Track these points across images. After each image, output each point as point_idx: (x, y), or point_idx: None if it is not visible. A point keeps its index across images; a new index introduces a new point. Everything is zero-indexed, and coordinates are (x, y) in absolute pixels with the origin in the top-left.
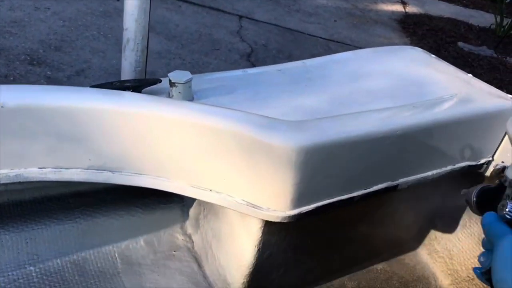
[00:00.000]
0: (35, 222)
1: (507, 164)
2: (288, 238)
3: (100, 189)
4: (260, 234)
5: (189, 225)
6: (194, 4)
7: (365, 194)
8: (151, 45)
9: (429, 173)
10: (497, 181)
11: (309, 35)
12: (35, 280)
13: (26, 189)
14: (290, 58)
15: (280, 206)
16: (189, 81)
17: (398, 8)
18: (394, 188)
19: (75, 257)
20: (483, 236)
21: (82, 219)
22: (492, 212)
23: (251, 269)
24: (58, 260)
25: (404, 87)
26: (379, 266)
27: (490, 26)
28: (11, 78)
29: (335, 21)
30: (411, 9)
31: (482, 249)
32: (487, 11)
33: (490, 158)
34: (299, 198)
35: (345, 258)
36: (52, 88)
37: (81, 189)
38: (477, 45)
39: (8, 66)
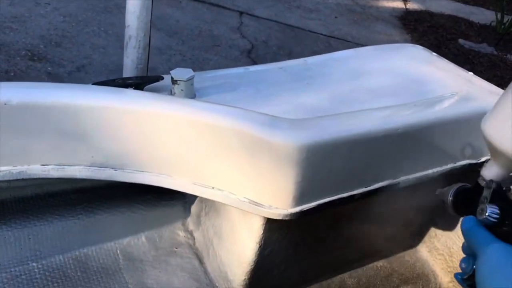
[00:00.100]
0: (37, 219)
1: None
2: (289, 235)
3: (102, 186)
4: (262, 232)
5: (190, 222)
6: (195, 0)
7: (366, 192)
8: (151, 41)
9: (430, 171)
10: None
11: (310, 31)
12: (37, 276)
13: (29, 186)
14: (291, 54)
15: (281, 204)
16: (191, 79)
17: (399, 4)
18: (395, 186)
19: (77, 253)
20: None
21: (84, 215)
22: (471, 216)
23: (252, 266)
24: (60, 256)
25: (405, 85)
26: (379, 263)
27: (490, 23)
28: (12, 74)
29: (335, 17)
30: (412, 5)
31: None
32: (488, 8)
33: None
34: (301, 196)
35: (345, 255)
36: (55, 86)
37: (83, 185)
38: (477, 42)
39: (8, 62)
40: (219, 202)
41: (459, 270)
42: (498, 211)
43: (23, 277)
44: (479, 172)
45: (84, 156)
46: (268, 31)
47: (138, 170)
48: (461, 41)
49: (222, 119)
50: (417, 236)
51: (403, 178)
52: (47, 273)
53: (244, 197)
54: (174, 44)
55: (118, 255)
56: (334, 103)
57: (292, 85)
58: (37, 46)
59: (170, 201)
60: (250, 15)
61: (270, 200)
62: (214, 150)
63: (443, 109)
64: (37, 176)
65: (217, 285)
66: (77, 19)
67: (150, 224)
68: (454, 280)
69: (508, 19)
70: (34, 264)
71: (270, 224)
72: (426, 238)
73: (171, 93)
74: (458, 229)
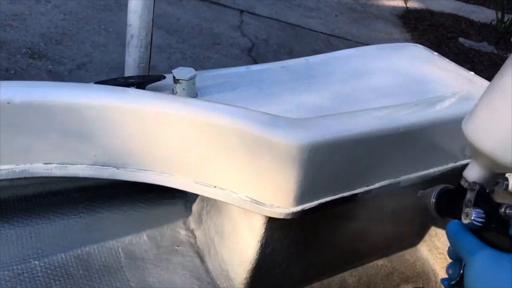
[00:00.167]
0: (39, 217)
1: None
2: (291, 234)
3: (104, 184)
4: (263, 230)
5: (192, 221)
6: None
7: (367, 191)
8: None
9: (431, 170)
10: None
11: (310, 30)
12: (39, 274)
13: (31, 184)
14: (291, 53)
15: (283, 203)
16: (193, 78)
17: (399, 3)
18: (396, 185)
19: (79, 251)
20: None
21: (86, 214)
22: (457, 221)
23: (254, 265)
24: (62, 254)
25: (406, 85)
26: (380, 261)
27: (491, 22)
28: (12, 72)
29: (336, 16)
30: (412, 4)
31: None
32: (488, 7)
33: None
34: (302, 195)
35: (346, 254)
36: (57, 85)
37: (85, 184)
38: (478, 41)
39: (9, 60)
40: (220, 201)
41: None
42: (483, 215)
43: (25, 275)
44: None
45: (87, 154)
46: (269, 29)
47: (140, 169)
48: (461, 39)
49: (224, 118)
50: (417, 235)
51: (404, 177)
52: (49, 271)
53: (246, 196)
54: (174, 42)
55: (120, 253)
56: (335, 102)
57: (293, 84)
58: (38, 44)
59: (172, 199)
60: (251, 13)
61: (272, 199)
62: (216, 149)
63: (444, 109)
64: (40, 175)
65: (218, 283)
66: (77, 17)
67: (152, 223)
68: None
69: (509, 18)
70: (36, 262)
71: (272, 223)
72: (427, 237)
73: (173, 92)
74: None
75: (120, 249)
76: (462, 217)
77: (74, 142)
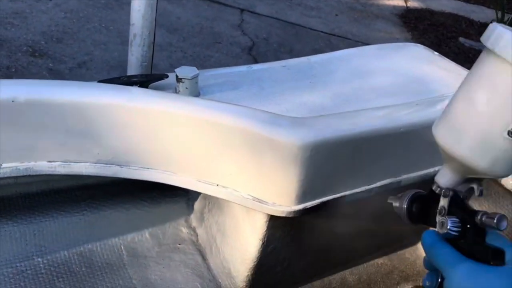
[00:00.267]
0: (42, 215)
1: None
2: (292, 232)
3: (107, 182)
4: (265, 229)
5: (193, 219)
6: None
7: (369, 189)
8: None
9: (431, 169)
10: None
11: (311, 29)
12: (42, 271)
13: (34, 182)
14: (291, 52)
15: (285, 201)
16: (195, 77)
17: (400, 2)
18: (397, 184)
19: (82, 249)
20: None
21: (89, 211)
22: (432, 230)
23: (255, 263)
24: (65, 251)
25: (407, 85)
26: (380, 260)
27: (491, 22)
28: (13, 70)
29: (336, 15)
30: (412, 3)
31: None
32: (488, 7)
33: None
34: (304, 194)
35: (347, 253)
36: (61, 83)
37: (88, 182)
38: (478, 41)
39: (10, 58)
40: (222, 199)
41: None
42: (458, 223)
43: (28, 272)
44: None
45: (90, 153)
46: (269, 28)
47: (143, 167)
48: (461, 39)
49: (226, 117)
50: (417, 234)
51: (404, 177)
52: (52, 269)
53: (248, 194)
54: (175, 41)
55: (122, 251)
56: (336, 101)
57: (295, 84)
58: (38, 42)
59: (174, 198)
60: (251, 12)
61: (274, 198)
62: (218, 148)
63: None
64: (44, 173)
65: (220, 281)
66: (78, 15)
67: (154, 221)
68: None
69: (508, 18)
70: (39, 259)
71: (274, 221)
72: None
73: (176, 91)
74: None
75: (122, 247)
76: (437, 227)
77: (78, 140)
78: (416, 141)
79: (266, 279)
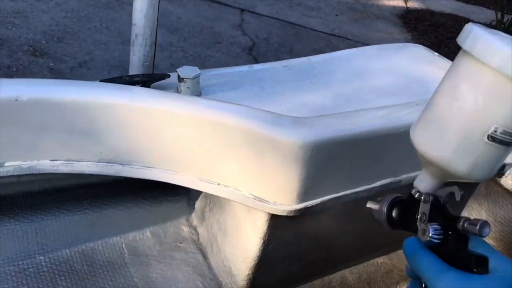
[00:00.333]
0: (44, 213)
1: (506, 161)
2: (293, 231)
3: (108, 181)
4: (266, 227)
5: (194, 218)
6: None
7: (369, 189)
8: None
9: None
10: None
11: (311, 29)
12: (44, 269)
13: (36, 181)
14: (292, 52)
15: (286, 200)
16: (197, 77)
17: (400, 3)
18: (397, 183)
19: (83, 247)
20: None
21: (90, 210)
22: (413, 238)
23: (256, 261)
24: (67, 250)
25: (407, 85)
26: (380, 259)
27: (491, 23)
28: (14, 69)
29: (336, 15)
30: (412, 4)
31: None
32: (488, 7)
33: None
34: (305, 193)
35: (347, 252)
36: (64, 82)
37: (90, 181)
38: None
39: (11, 57)
40: (223, 198)
41: None
42: (440, 230)
43: (30, 270)
44: None
45: (93, 152)
46: (269, 28)
47: (145, 166)
48: None
49: (228, 116)
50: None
51: (404, 176)
52: (54, 267)
53: (249, 193)
54: (175, 41)
55: (123, 249)
56: (337, 101)
57: (296, 84)
58: (39, 41)
59: (175, 197)
60: (252, 12)
61: (275, 197)
62: (220, 147)
63: None
64: (46, 171)
65: (220, 279)
66: (79, 14)
67: (155, 220)
68: None
69: (508, 18)
70: (41, 257)
71: (274, 220)
72: None
73: (178, 90)
74: None
75: (124, 245)
76: (419, 234)
77: (80, 139)
78: None
79: (266, 278)
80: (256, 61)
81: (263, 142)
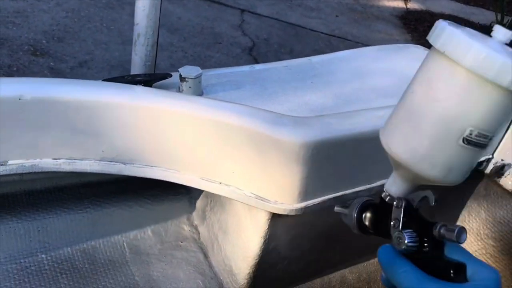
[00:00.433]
0: (46, 212)
1: (506, 162)
2: (293, 230)
3: (110, 180)
4: (267, 226)
5: (195, 217)
6: None
7: (369, 188)
8: None
9: None
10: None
11: (311, 30)
12: (46, 267)
13: (38, 179)
14: (292, 52)
15: (287, 199)
16: (199, 76)
17: (400, 4)
18: None
19: (85, 245)
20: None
21: (92, 209)
22: (388, 246)
23: (257, 260)
24: (69, 248)
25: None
26: None
27: (490, 24)
28: (15, 69)
29: (336, 16)
30: (412, 5)
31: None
32: (488, 9)
33: (490, 156)
34: (306, 192)
35: (346, 251)
36: (67, 82)
37: (91, 179)
38: None
39: (11, 57)
40: (224, 197)
41: None
42: (416, 237)
43: (32, 268)
44: (479, 170)
45: (95, 150)
46: (270, 29)
47: (147, 165)
48: None
49: (229, 116)
50: None
51: None
52: (55, 265)
53: (251, 192)
54: (176, 41)
55: (125, 248)
56: (338, 101)
57: (297, 84)
58: (40, 41)
59: (176, 196)
60: (252, 13)
61: (276, 196)
62: (221, 146)
63: None
64: (49, 170)
65: (221, 278)
66: (79, 14)
67: (156, 218)
68: None
69: (508, 20)
70: (43, 255)
71: (275, 219)
72: None
73: (179, 90)
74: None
75: (125, 244)
76: (394, 242)
77: (83, 138)
78: None
79: (267, 276)
80: (256, 61)
81: (264, 142)
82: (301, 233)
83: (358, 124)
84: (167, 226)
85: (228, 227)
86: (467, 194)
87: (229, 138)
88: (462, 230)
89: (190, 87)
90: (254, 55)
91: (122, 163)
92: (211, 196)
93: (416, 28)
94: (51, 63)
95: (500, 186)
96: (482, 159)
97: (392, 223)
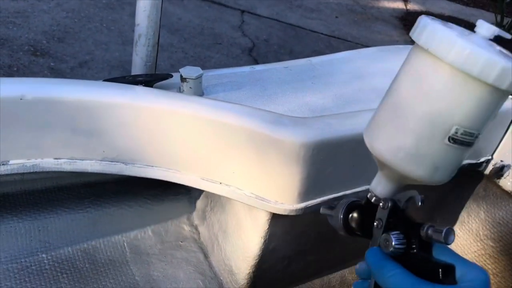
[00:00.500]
0: (47, 211)
1: (505, 163)
2: (294, 231)
3: (110, 180)
4: (267, 227)
5: (195, 217)
6: None
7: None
8: None
9: None
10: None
11: (311, 31)
12: (46, 267)
13: (39, 179)
14: (292, 53)
15: (287, 200)
16: (199, 77)
17: (400, 5)
18: None
19: (85, 245)
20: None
21: (92, 209)
22: (376, 248)
23: (257, 260)
24: (69, 248)
25: None
26: None
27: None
28: (15, 69)
29: (336, 17)
30: (412, 6)
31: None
32: (488, 10)
33: (490, 157)
34: (306, 192)
35: (346, 251)
36: (69, 82)
37: (92, 179)
38: None
39: (11, 57)
40: (225, 197)
41: None
42: (403, 239)
43: (33, 267)
44: (478, 171)
45: (96, 150)
46: (269, 29)
47: (148, 165)
48: None
49: (230, 116)
50: None
51: None
52: (56, 264)
53: (251, 193)
54: (176, 42)
55: (125, 248)
56: (338, 102)
57: (297, 85)
58: (40, 41)
59: (176, 196)
60: (252, 13)
61: (276, 196)
62: (222, 146)
63: None
64: (50, 170)
65: (221, 278)
66: (79, 15)
67: (156, 218)
68: None
69: (508, 21)
70: (43, 255)
71: (275, 220)
72: None
73: (180, 90)
74: (456, 228)
75: (125, 244)
76: (381, 245)
77: (84, 138)
78: None
79: (267, 276)
80: (256, 62)
81: (264, 142)
82: (301, 233)
83: (358, 124)
84: (167, 226)
85: (228, 227)
86: (466, 195)
87: (229, 139)
88: (450, 231)
89: (190, 87)
90: (254, 55)
91: (123, 163)
92: (211, 196)
93: None
94: (51, 63)
95: (500, 187)
96: (482, 159)
97: (375, 223)
